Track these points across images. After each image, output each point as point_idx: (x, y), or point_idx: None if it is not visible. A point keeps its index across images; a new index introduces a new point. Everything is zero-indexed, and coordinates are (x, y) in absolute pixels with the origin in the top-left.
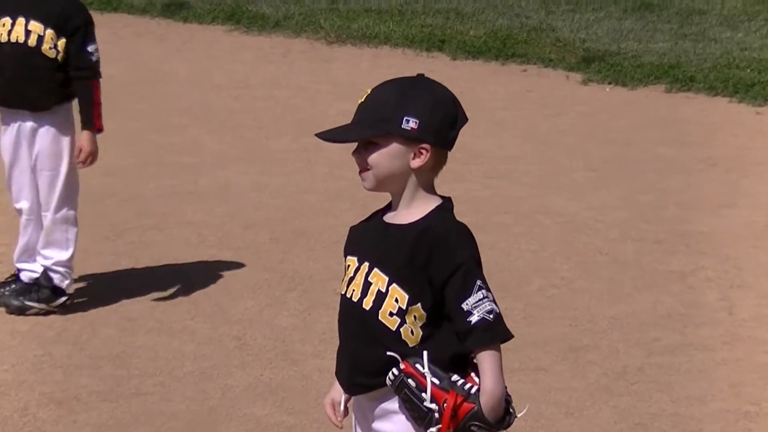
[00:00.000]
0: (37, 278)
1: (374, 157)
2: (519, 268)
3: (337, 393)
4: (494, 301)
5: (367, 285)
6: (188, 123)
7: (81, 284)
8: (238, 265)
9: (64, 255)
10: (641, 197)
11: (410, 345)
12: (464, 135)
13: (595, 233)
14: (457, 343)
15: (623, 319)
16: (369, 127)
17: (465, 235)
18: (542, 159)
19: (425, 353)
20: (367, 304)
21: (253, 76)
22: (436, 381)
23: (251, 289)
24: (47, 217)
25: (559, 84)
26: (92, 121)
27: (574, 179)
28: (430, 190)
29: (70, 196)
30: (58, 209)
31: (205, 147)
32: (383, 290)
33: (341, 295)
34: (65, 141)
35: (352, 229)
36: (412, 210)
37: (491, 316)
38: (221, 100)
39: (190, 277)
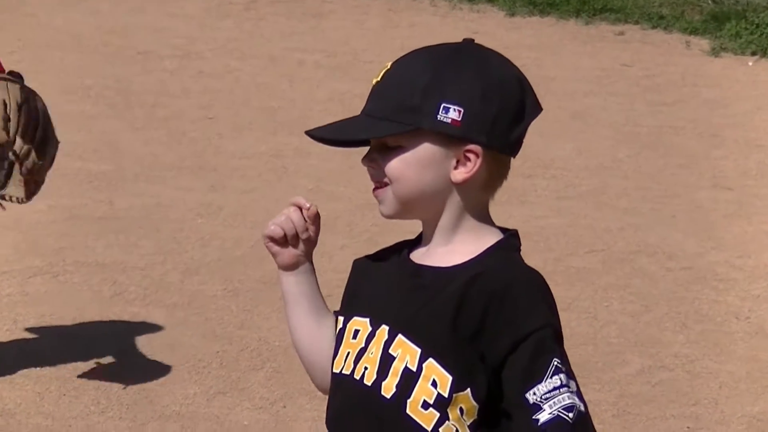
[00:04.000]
0: None
1: (396, 166)
2: (609, 338)
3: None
4: (578, 393)
5: (387, 360)
6: (98, 111)
7: None
8: (173, 331)
9: None
10: None
11: None
12: (527, 133)
13: (729, 287)
14: None
15: None
16: (387, 119)
17: (538, 290)
18: (646, 171)
19: None
20: (388, 389)
21: (200, 40)
22: None
23: (194, 368)
24: None
25: (675, 54)
26: None
27: (697, 203)
28: (483, 217)
29: None
30: None
31: (124, 148)
32: (413, 368)
33: (336, 374)
34: None
35: (359, 266)
36: (456, 247)
37: (571, 415)
38: (149, 76)
39: (99, 348)
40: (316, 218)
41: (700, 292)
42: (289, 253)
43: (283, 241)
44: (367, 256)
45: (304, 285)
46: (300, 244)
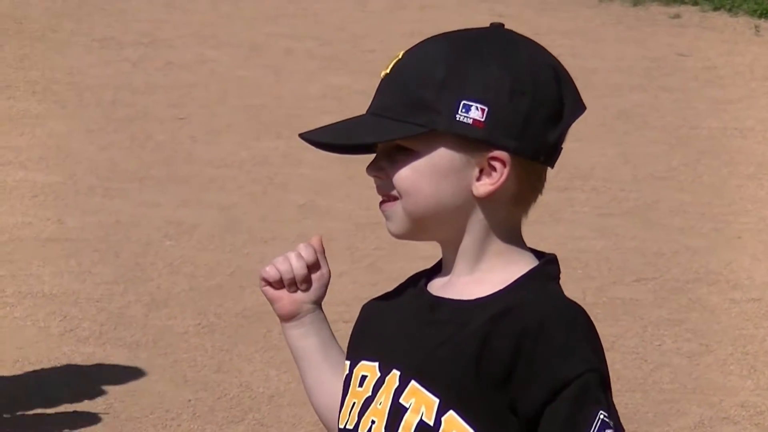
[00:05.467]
0: None
1: (406, 176)
2: (662, 384)
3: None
4: None
5: (398, 412)
6: (45, 110)
7: None
8: (136, 375)
9: None
10: None
11: None
12: None
13: None
14: None
15: None
16: (397, 119)
17: (580, 327)
18: (707, 182)
19: None
20: None
21: (168, 25)
22: None
23: (160, 420)
24: None
25: (741, 42)
26: None
27: None
28: (514, 239)
29: None
30: None
31: (76, 155)
32: (430, 422)
33: (341, 430)
34: None
35: (369, 305)
36: (481, 276)
37: None
38: (107, 68)
39: (47, 395)
40: (321, 253)
41: None
42: (289, 299)
43: (280, 285)
44: (381, 296)
45: (312, 337)
46: (311, 290)
